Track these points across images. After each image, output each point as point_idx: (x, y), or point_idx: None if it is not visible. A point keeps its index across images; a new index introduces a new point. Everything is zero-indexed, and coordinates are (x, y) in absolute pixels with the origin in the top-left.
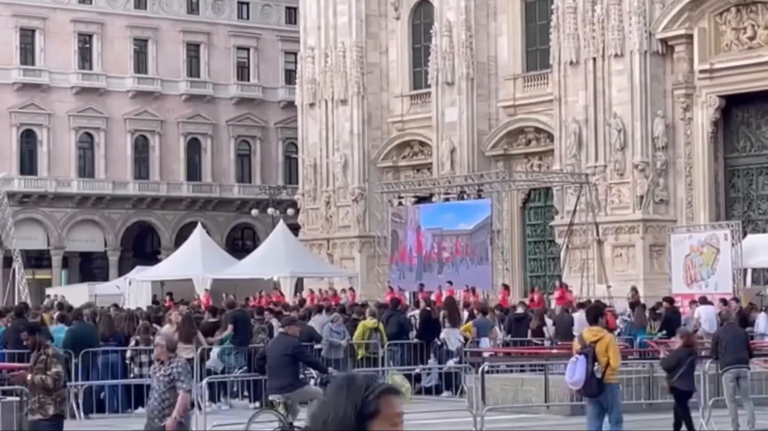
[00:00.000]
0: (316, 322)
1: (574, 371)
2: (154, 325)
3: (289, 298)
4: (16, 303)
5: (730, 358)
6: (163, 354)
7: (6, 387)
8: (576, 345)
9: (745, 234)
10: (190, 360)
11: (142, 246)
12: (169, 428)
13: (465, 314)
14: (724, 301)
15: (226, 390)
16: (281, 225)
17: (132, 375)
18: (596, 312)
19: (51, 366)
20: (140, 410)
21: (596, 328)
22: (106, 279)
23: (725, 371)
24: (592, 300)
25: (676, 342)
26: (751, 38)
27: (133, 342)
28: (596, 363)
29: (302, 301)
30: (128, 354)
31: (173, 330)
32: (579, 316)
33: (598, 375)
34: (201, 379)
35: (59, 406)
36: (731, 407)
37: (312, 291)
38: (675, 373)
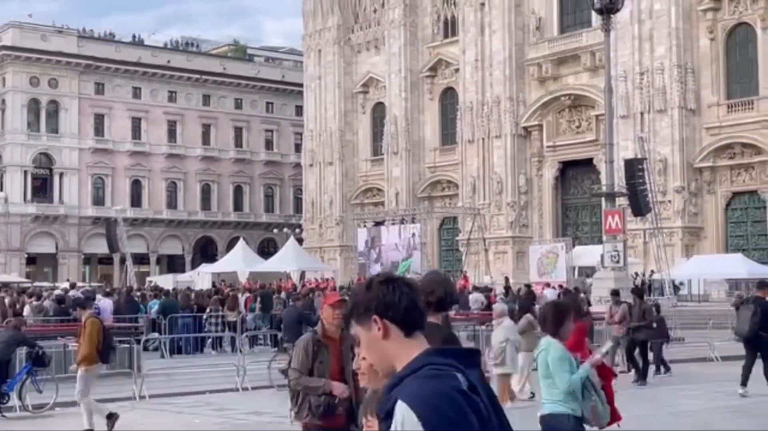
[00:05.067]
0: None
1: None
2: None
3: (297, 283)
4: (128, 286)
5: None
6: None
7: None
8: None
9: (574, 246)
10: (234, 323)
11: (206, 251)
12: None
13: None
14: (561, 286)
15: (257, 340)
16: (292, 238)
17: (206, 329)
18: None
19: None
20: (205, 352)
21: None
22: (183, 271)
23: None
24: (481, 286)
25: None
26: (578, 126)
27: (207, 310)
28: None
29: (304, 285)
30: (204, 316)
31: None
32: (474, 296)
33: None
34: (242, 333)
35: None
36: None
37: (310, 280)
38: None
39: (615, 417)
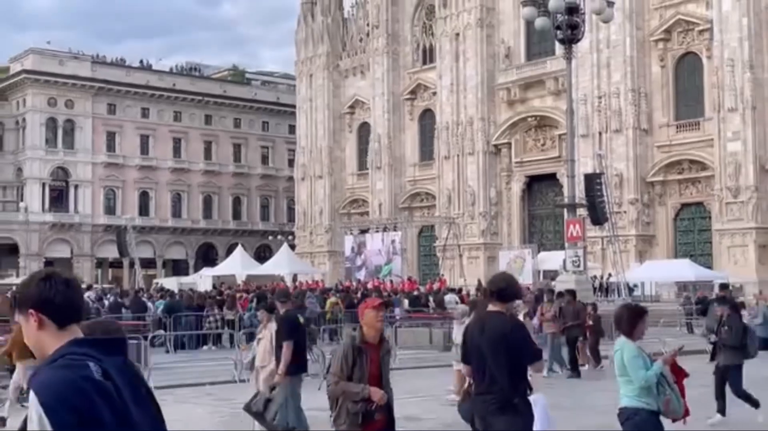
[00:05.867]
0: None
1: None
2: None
3: (290, 285)
4: (136, 287)
5: None
6: None
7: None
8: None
9: (539, 252)
10: (233, 321)
11: (207, 256)
12: None
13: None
14: (528, 288)
15: (254, 337)
16: (285, 245)
17: (206, 327)
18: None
19: None
20: (204, 348)
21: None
22: (186, 274)
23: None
24: (456, 288)
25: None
26: (543, 144)
27: (205, 309)
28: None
29: (296, 287)
30: (204, 314)
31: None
32: (448, 297)
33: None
34: (240, 330)
35: None
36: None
37: (302, 282)
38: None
39: (685, 411)
